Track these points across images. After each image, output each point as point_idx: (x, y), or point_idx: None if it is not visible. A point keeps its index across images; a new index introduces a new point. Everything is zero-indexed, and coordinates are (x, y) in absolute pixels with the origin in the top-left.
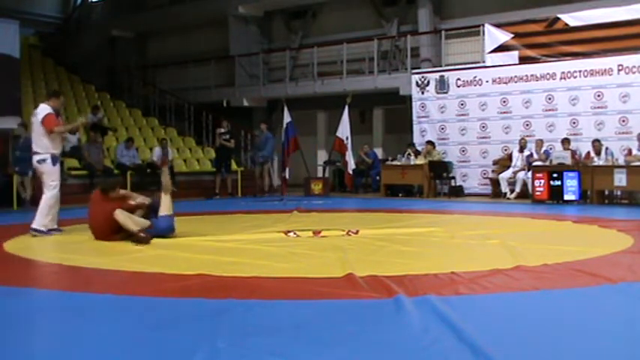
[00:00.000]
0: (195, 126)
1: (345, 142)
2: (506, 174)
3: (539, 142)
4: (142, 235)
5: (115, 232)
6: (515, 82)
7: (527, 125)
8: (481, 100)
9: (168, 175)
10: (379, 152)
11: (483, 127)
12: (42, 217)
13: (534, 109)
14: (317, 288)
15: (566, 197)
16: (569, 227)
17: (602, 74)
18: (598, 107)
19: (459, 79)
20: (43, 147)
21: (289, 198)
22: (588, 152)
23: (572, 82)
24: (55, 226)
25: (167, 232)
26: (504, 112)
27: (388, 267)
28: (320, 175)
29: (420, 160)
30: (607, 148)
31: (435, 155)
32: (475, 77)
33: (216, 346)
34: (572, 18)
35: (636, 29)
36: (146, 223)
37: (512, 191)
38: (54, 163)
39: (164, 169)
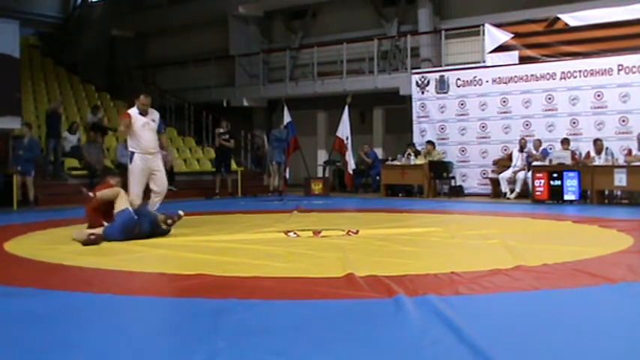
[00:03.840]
0: (195, 126)
1: (345, 142)
2: (506, 174)
3: (537, 143)
4: (91, 237)
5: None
6: (515, 82)
7: (527, 125)
8: (481, 100)
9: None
10: (379, 152)
11: (483, 127)
12: None
13: (534, 109)
14: (317, 288)
15: (566, 197)
16: (569, 227)
17: (602, 74)
18: (598, 107)
19: (459, 79)
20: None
21: (289, 198)
22: (588, 152)
23: (572, 82)
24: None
25: (128, 225)
26: (504, 112)
27: (388, 267)
28: (320, 175)
29: (420, 160)
30: (607, 148)
31: (435, 155)
32: (475, 77)
33: (216, 346)
34: (572, 18)
35: (636, 29)
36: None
37: (512, 191)
38: (130, 160)
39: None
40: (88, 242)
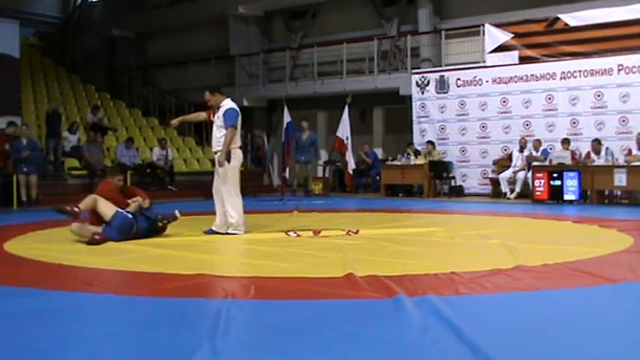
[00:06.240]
0: (196, 126)
1: (345, 142)
2: (506, 174)
3: (537, 143)
4: (96, 237)
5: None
6: (515, 82)
7: (527, 125)
8: (481, 100)
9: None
10: (379, 152)
11: (483, 127)
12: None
13: (534, 109)
14: (317, 288)
15: (566, 197)
16: (569, 227)
17: (602, 74)
18: (598, 107)
19: (459, 79)
20: None
21: (289, 198)
22: (588, 152)
23: (572, 82)
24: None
25: (125, 226)
26: (504, 112)
27: (388, 267)
28: (320, 175)
29: (420, 160)
30: (607, 148)
31: (435, 155)
32: (475, 77)
33: (216, 346)
34: (572, 18)
35: (636, 29)
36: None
37: (512, 191)
38: None
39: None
40: (92, 242)
